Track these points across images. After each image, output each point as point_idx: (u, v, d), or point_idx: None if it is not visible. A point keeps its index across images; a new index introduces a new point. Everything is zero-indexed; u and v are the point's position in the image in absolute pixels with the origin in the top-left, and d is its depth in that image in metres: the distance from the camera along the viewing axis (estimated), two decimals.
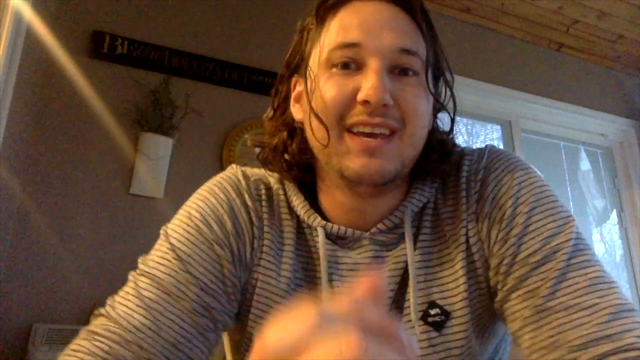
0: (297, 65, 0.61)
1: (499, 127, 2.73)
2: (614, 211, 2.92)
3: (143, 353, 0.49)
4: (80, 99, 1.77)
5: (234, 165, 0.66)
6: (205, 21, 2.07)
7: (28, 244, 1.60)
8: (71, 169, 1.72)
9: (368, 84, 0.51)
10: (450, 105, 0.62)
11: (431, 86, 0.56)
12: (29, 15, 1.54)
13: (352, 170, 0.53)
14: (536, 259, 0.52)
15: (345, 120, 0.53)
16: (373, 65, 0.52)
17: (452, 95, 0.61)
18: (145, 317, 0.50)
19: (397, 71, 0.54)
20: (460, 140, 2.77)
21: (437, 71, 0.60)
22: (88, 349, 0.49)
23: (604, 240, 2.97)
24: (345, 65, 0.54)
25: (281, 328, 0.23)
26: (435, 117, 0.62)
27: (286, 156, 0.60)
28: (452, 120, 0.62)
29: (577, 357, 0.46)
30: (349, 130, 0.53)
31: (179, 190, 1.83)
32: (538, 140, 2.83)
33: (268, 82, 2.05)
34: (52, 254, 1.62)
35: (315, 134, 0.56)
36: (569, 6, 2.48)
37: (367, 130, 0.52)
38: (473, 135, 2.81)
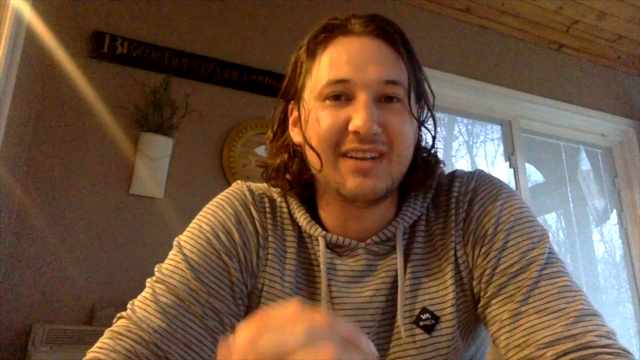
0: (293, 95, 0.68)
1: (499, 127, 2.73)
2: (614, 211, 2.92)
3: (160, 352, 0.56)
4: (80, 99, 1.77)
5: (239, 181, 0.72)
6: (205, 21, 2.07)
7: (28, 244, 1.60)
8: (71, 169, 1.72)
9: (358, 116, 0.58)
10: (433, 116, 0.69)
11: (414, 109, 0.63)
12: (29, 15, 1.54)
13: (348, 190, 0.60)
14: (514, 270, 0.59)
15: (339, 147, 0.60)
16: (362, 98, 0.59)
17: (433, 115, 0.68)
18: (161, 320, 0.57)
19: (383, 99, 0.61)
20: (461, 140, 2.77)
21: (419, 93, 0.66)
22: (112, 347, 0.55)
23: (604, 240, 2.97)
24: (336, 97, 0.60)
25: (270, 332, 0.29)
26: (419, 134, 0.68)
27: (287, 176, 0.67)
28: (434, 138, 0.69)
29: (544, 354, 0.53)
30: (343, 155, 0.60)
31: (179, 190, 1.83)
32: (538, 140, 2.83)
33: (268, 82, 2.05)
34: (52, 254, 1.62)
35: (311, 161, 0.63)
36: (569, 6, 2.48)
37: (359, 155, 0.59)
38: (473, 135, 2.81)
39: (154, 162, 1.80)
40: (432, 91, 0.69)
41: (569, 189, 2.84)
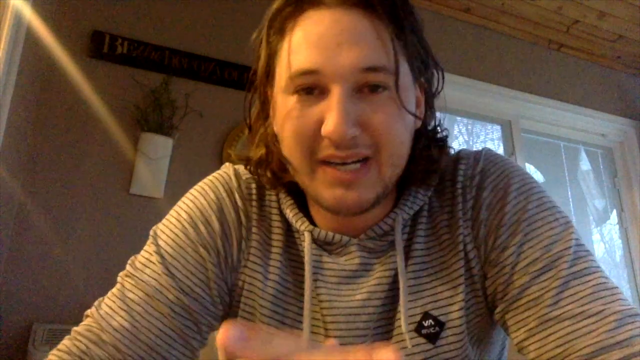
0: (260, 82, 0.57)
1: (499, 127, 2.73)
2: (614, 211, 2.92)
3: (119, 355, 0.49)
4: (80, 99, 1.77)
5: (227, 164, 0.64)
6: (205, 21, 2.07)
7: (28, 244, 1.60)
8: (71, 169, 1.72)
9: (329, 118, 0.47)
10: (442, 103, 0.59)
11: (409, 94, 0.51)
12: (29, 15, 1.54)
13: (327, 202, 0.50)
14: (537, 268, 0.50)
15: (315, 153, 0.49)
16: (335, 92, 0.47)
17: (431, 96, 0.57)
18: (125, 319, 0.51)
19: (366, 89, 0.48)
20: (461, 140, 2.77)
21: (420, 69, 0.55)
22: (68, 349, 0.50)
23: (604, 240, 2.97)
24: (307, 90, 0.49)
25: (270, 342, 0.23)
26: (428, 118, 0.58)
27: (268, 173, 0.57)
28: (436, 126, 0.59)
29: None
30: (321, 161, 0.49)
31: (179, 190, 1.81)
32: (538, 140, 2.83)
33: None
34: (52, 254, 1.62)
35: (287, 165, 0.54)
36: (569, 6, 2.48)
37: (339, 161, 0.48)
38: (473, 135, 2.81)
39: (154, 162, 1.80)
40: (436, 62, 0.57)
41: (569, 189, 2.84)
